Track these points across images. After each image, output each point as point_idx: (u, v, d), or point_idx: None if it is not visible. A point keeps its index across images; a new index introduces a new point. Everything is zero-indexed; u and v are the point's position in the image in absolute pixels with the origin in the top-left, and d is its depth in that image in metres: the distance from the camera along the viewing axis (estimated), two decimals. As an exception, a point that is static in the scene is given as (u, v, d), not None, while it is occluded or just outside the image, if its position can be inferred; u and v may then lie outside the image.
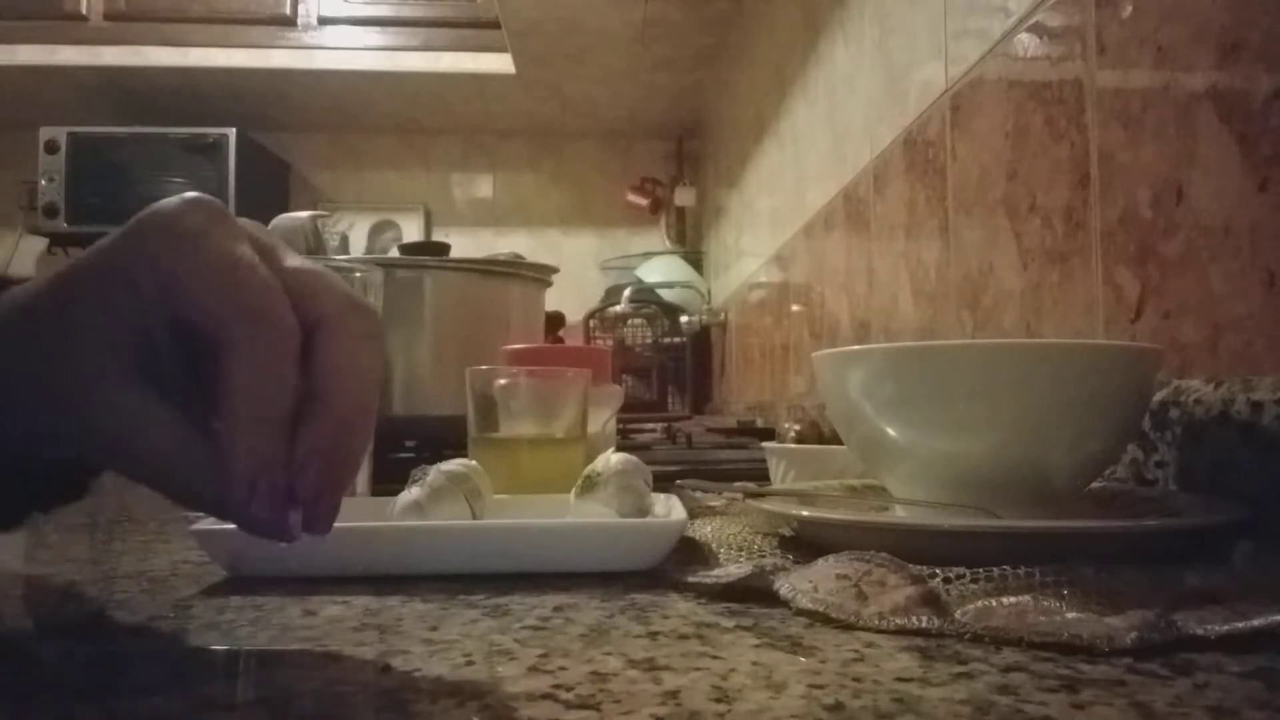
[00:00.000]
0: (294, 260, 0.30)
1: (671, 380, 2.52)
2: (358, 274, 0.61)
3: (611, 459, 0.46)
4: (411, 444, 0.95)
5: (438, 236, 2.91)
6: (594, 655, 0.27)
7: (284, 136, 2.96)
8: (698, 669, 0.25)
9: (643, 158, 3.12)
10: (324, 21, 2.53)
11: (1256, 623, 0.26)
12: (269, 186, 2.85)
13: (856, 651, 0.27)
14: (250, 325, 0.27)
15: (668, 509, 0.45)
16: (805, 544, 0.43)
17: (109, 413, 0.27)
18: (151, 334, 0.27)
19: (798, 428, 0.72)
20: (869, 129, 1.12)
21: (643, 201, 3.01)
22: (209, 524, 0.40)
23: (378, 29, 2.53)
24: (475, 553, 0.40)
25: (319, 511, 0.28)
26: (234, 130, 2.54)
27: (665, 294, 2.59)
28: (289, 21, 2.52)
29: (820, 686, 0.24)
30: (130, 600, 0.36)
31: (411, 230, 3.04)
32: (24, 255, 2.91)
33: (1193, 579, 0.31)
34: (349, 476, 0.28)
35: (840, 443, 0.55)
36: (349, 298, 0.29)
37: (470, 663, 0.26)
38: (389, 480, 0.55)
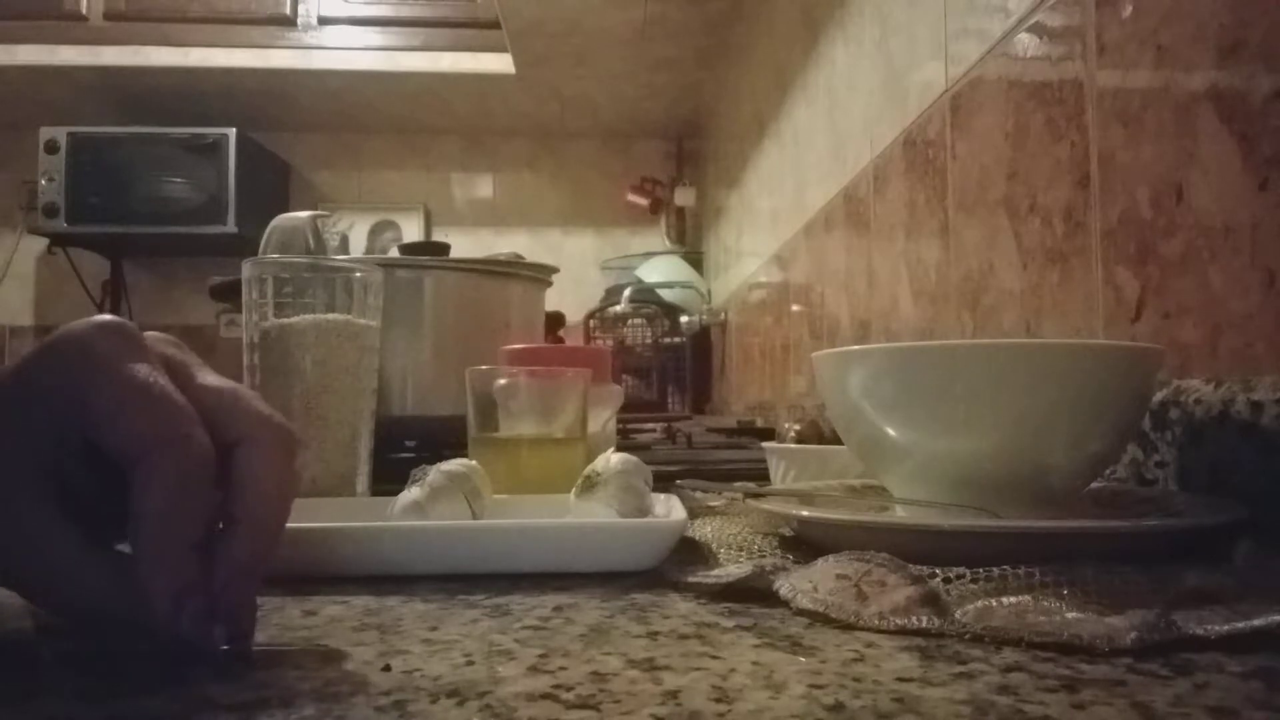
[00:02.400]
0: (209, 379, 0.30)
1: (671, 380, 2.52)
2: (358, 274, 0.61)
3: (611, 459, 0.46)
4: (411, 444, 0.95)
5: (438, 236, 2.91)
6: (594, 655, 0.27)
7: (284, 136, 2.96)
8: (698, 669, 0.25)
9: (643, 158, 3.12)
10: (324, 21, 2.53)
11: (1256, 623, 0.26)
12: (269, 186, 2.85)
13: (856, 651, 0.27)
14: (159, 452, 0.27)
15: (668, 509, 0.45)
16: (805, 544, 0.43)
17: (10, 528, 0.27)
18: (62, 456, 0.28)
19: (798, 428, 0.72)
20: (869, 129, 1.12)
21: (643, 201, 3.01)
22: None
23: (378, 29, 2.53)
24: (475, 553, 0.40)
25: (242, 623, 0.28)
26: (234, 130, 2.55)
27: (665, 294, 2.59)
28: (289, 21, 2.52)
29: (820, 686, 0.24)
30: (130, 600, 0.36)
31: (411, 230, 3.04)
32: (24, 255, 2.91)
33: (1193, 579, 0.31)
34: (258, 587, 0.29)
35: (840, 443, 0.55)
36: (264, 414, 0.30)
37: (470, 663, 0.26)
38: (389, 480, 0.55)
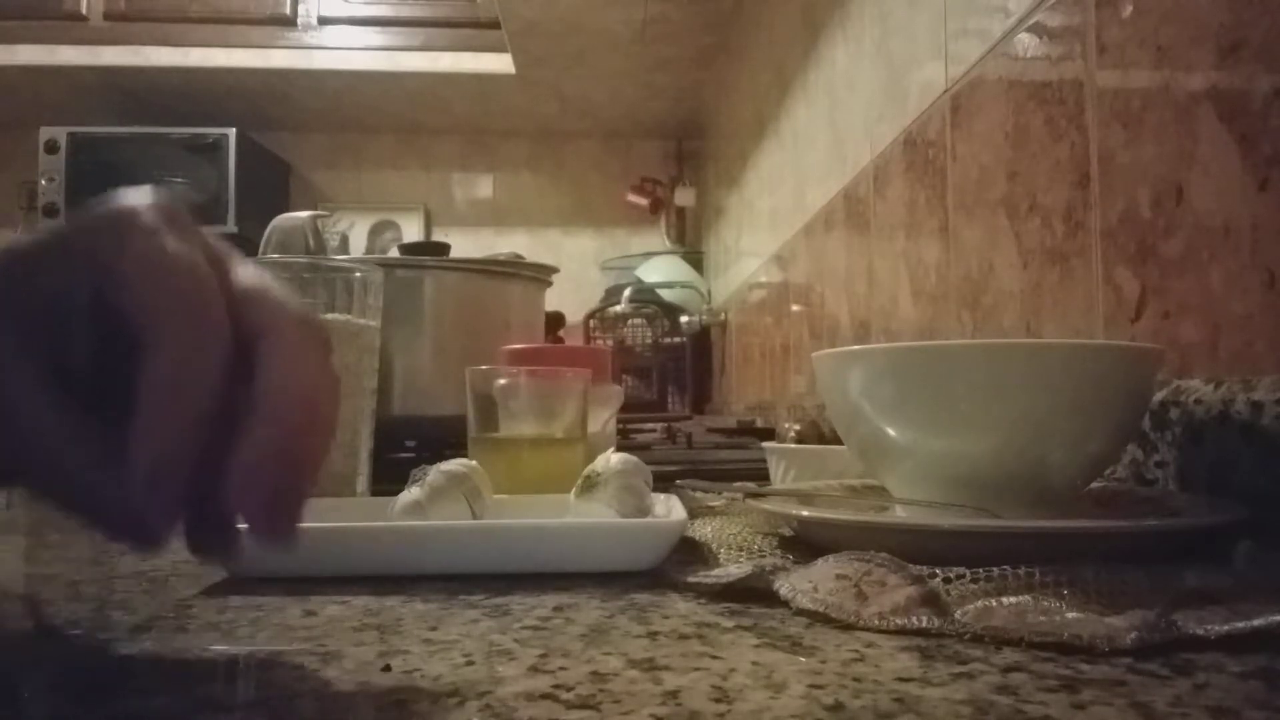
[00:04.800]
0: (246, 273, 0.29)
1: (671, 380, 2.52)
2: (358, 274, 0.61)
3: (611, 459, 0.46)
4: (411, 444, 0.95)
5: (438, 236, 2.91)
6: (594, 655, 0.27)
7: (284, 136, 2.96)
8: (698, 669, 0.25)
9: (643, 158, 3.12)
10: (324, 21, 2.53)
11: (1256, 623, 0.26)
12: (269, 186, 2.85)
13: (856, 651, 0.27)
14: (177, 321, 0.26)
15: (668, 509, 0.45)
16: (805, 544, 0.43)
17: (10, 391, 0.26)
18: (74, 333, 0.27)
19: (798, 428, 0.72)
20: (869, 129, 1.12)
21: (643, 201, 3.01)
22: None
23: (378, 29, 2.53)
24: (475, 553, 0.40)
25: (276, 518, 0.26)
26: (234, 130, 2.55)
27: (665, 294, 2.59)
28: (289, 21, 2.52)
29: (820, 686, 0.24)
30: (130, 600, 0.36)
31: (411, 230, 3.04)
32: (24, 255, 2.91)
33: (1193, 579, 0.31)
34: (304, 482, 0.27)
35: (840, 443, 0.55)
36: (296, 309, 0.29)
37: (470, 663, 0.26)
38: (389, 480, 0.55)
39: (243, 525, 0.26)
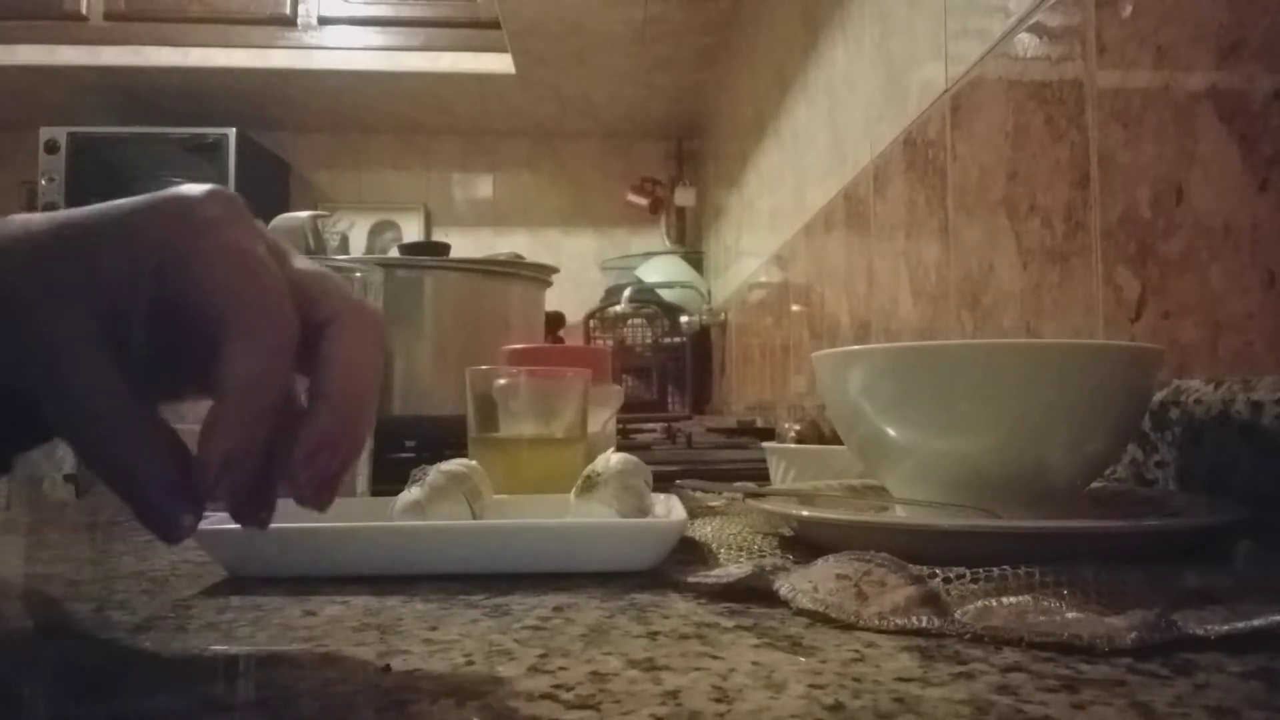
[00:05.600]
0: (302, 263, 0.30)
1: (671, 380, 2.52)
2: (358, 274, 0.61)
3: (611, 459, 0.46)
4: (411, 444, 0.95)
5: (438, 236, 2.91)
6: (594, 655, 0.27)
7: (284, 136, 2.96)
8: (698, 669, 0.25)
9: (643, 158, 3.12)
10: (324, 21, 2.53)
11: (1256, 623, 0.26)
12: (269, 186, 2.85)
13: (856, 651, 0.27)
14: (256, 318, 0.27)
15: (668, 509, 0.45)
16: (805, 544, 0.43)
17: (65, 361, 0.27)
18: (130, 311, 0.27)
19: (798, 428, 0.72)
20: (869, 129, 1.12)
21: (643, 201, 3.01)
22: (210, 524, 0.40)
23: (378, 29, 2.53)
24: (475, 553, 0.40)
25: (326, 492, 0.29)
26: (234, 130, 2.55)
27: (665, 294, 2.59)
28: (289, 21, 2.52)
29: (820, 686, 0.24)
30: (130, 600, 0.36)
31: (411, 230, 3.04)
32: (24, 255, 2.90)
33: (1193, 579, 0.31)
34: (351, 464, 0.29)
35: (840, 443, 0.55)
36: (355, 300, 0.30)
37: (470, 663, 0.26)
38: (389, 480, 0.55)
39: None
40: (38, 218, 0.28)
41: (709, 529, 0.47)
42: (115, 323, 0.27)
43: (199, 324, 0.27)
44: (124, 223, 0.28)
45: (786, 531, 0.46)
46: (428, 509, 0.43)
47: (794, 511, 0.42)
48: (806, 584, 0.33)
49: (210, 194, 0.29)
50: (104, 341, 0.27)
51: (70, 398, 0.27)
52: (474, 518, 0.44)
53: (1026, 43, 0.70)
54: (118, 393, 0.27)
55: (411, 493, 0.45)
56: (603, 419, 0.68)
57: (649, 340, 2.52)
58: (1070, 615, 0.28)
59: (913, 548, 0.35)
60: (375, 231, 3.04)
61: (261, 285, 0.28)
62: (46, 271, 0.27)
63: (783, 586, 0.33)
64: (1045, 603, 0.29)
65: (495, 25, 2.28)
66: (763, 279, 1.88)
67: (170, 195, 0.28)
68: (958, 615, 0.29)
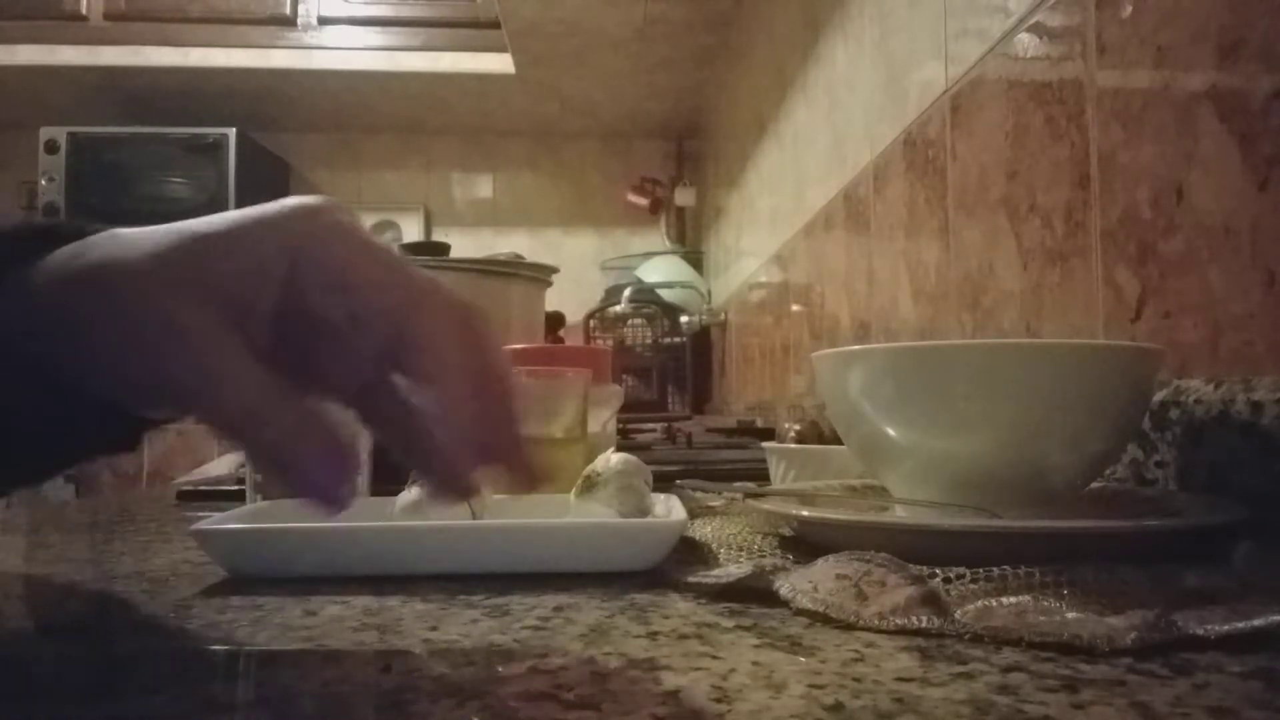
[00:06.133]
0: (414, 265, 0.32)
1: (671, 380, 2.52)
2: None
3: (611, 459, 0.46)
4: (411, 444, 0.95)
5: (438, 236, 2.91)
6: (594, 655, 0.27)
7: (284, 136, 2.96)
8: (698, 669, 0.25)
9: (643, 158, 3.12)
10: (324, 21, 2.53)
11: (1256, 623, 0.26)
12: (269, 186, 2.84)
13: (856, 651, 0.27)
14: (424, 315, 0.29)
15: (668, 509, 0.45)
16: (805, 544, 0.43)
17: (209, 346, 0.27)
18: (257, 316, 0.28)
19: (798, 428, 0.72)
20: (869, 129, 1.12)
21: (643, 201, 3.01)
22: (209, 524, 0.40)
23: (378, 29, 2.53)
24: (475, 553, 0.40)
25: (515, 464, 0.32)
26: (234, 130, 2.54)
27: (665, 294, 2.59)
28: (289, 21, 2.52)
29: (820, 686, 0.24)
30: (130, 600, 0.36)
31: (411, 230, 3.04)
32: (24, 255, 2.90)
33: (1193, 579, 0.31)
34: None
35: (840, 443, 0.55)
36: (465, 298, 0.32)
37: (470, 663, 0.26)
38: (389, 480, 0.55)
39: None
40: (148, 229, 0.29)
41: (709, 529, 0.47)
42: (250, 320, 0.28)
43: (322, 327, 0.28)
44: (272, 224, 0.29)
45: (786, 531, 0.46)
46: (428, 509, 0.43)
47: (794, 511, 0.42)
48: (806, 584, 0.33)
49: (329, 201, 0.30)
50: (244, 339, 0.28)
51: (221, 382, 0.27)
52: (474, 518, 0.44)
53: (1026, 43, 0.70)
54: (260, 372, 0.27)
55: (411, 493, 0.45)
56: (603, 419, 0.68)
57: (649, 340, 2.52)
58: (1070, 615, 0.28)
59: (913, 548, 0.35)
60: (375, 231, 3.03)
61: (414, 287, 0.29)
62: (176, 273, 0.27)
63: (783, 586, 0.33)
64: (1045, 603, 0.29)
65: (495, 25, 2.28)
66: (763, 279, 1.88)
67: (299, 201, 0.29)
68: (958, 615, 0.29)
